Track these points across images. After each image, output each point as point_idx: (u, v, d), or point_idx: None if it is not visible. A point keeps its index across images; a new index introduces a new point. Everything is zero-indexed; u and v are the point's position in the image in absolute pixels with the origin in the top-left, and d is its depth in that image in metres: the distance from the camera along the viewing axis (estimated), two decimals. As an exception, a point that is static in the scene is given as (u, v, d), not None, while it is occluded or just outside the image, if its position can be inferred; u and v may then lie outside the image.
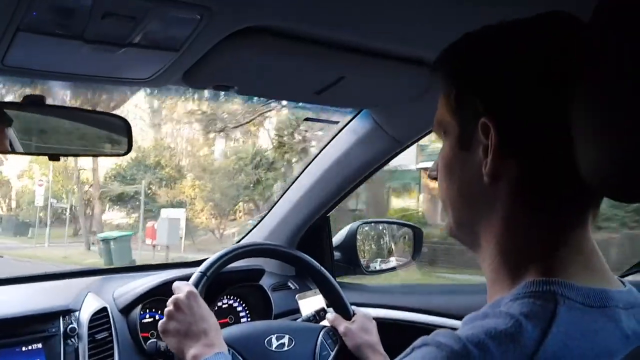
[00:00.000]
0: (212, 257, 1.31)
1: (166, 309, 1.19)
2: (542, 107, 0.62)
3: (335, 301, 1.46)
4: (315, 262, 1.47)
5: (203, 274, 1.26)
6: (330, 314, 1.45)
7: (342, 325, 1.39)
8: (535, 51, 0.64)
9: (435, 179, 0.77)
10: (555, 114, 0.61)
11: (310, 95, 1.38)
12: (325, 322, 1.46)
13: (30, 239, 20.64)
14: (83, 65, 1.11)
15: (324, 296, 1.51)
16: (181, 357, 1.14)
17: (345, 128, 1.77)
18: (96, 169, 20.35)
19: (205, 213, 18.84)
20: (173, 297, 1.20)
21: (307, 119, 1.75)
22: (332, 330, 1.40)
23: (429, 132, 1.62)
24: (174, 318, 1.17)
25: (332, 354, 1.35)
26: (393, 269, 2.12)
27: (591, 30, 0.56)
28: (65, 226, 20.56)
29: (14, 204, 25.37)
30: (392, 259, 2.14)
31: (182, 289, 1.21)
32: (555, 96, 0.61)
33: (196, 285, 1.24)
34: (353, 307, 1.46)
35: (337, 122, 1.81)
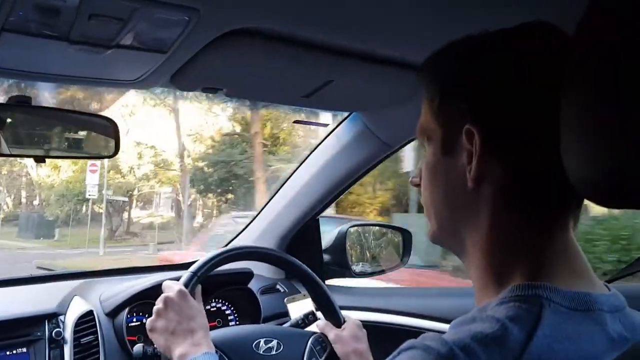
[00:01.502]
0: (202, 259, 1.30)
1: (155, 307, 1.19)
2: (526, 113, 0.63)
3: (326, 307, 1.45)
4: (305, 267, 1.46)
5: (194, 274, 1.26)
6: (321, 321, 1.44)
7: (332, 333, 1.38)
8: (519, 59, 0.64)
9: (417, 185, 0.77)
10: (538, 120, 0.62)
11: (298, 98, 1.38)
12: (314, 328, 1.46)
13: (57, 242, 17.83)
14: (69, 66, 1.10)
15: (315, 302, 1.50)
16: (168, 355, 1.13)
17: (335, 131, 1.77)
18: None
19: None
20: (162, 295, 1.20)
21: (296, 122, 1.75)
22: (322, 337, 1.39)
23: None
24: (162, 316, 1.16)
25: None
26: (382, 271, 2.12)
27: (575, 41, 0.56)
28: (101, 226, 17.15)
29: (22, 199, 23.11)
30: (381, 261, 2.14)
31: (172, 288, 1.21)
32: (539, 103, 0.62)
33: (186, 285, 1.23)
34: (343, 313, 1.45)
35: (326, 125, 1.81)
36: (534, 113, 0.62)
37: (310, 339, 1.37)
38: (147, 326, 1.18)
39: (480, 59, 0.67)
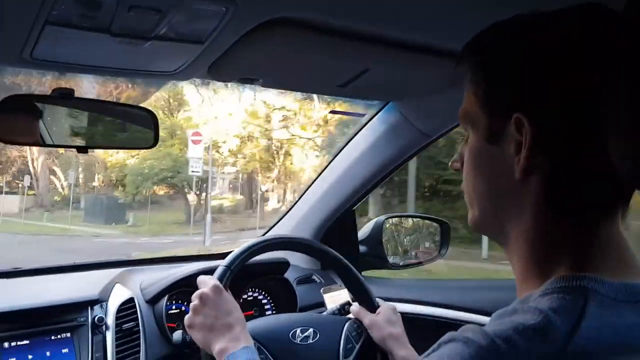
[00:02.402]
0: (236, 251, 1.31)
1: (191, 304, 1.19)
2: (578, 102, 0.61)
3: (359, 293, 1.45)
4: (338, 254, 1.46)
5: (227, 267, 1.26)
6: (355, 306, 1.44)
7: (367, 318, 1.38)
8: (571, 44, 0.62)
9: (457, 169, 0.76)
10: (589, 110, 0.60)
11: (334, 87, 1.38)
12: (349, 315, 1.46)
13: (134, 228, 16.62)
14: (110, 58, 1.13)
15: (348, 288, 1.50)
16: (207, 351, 1.14)
17: (372, 121, 1.76)
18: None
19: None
20: (198, 291, 1.20)
21: (332, 112, 1.75)
22: (357, 323, 1.39)
23: (458, 125, 1.60)
24: (199, 312, 1.17)
25: (357, 346, 1.34)
26: (420, 263, 2.11)
27: (625, 23, 0.54)
28: (183, 209, 15.20)
29: (89, 179, 22.17)
30: (419, 253, 2.13)
31: (207, 283, 1.21)
32: (590, 90, 0.60)
33: (221, 279, 1.24)
34: (378, 299, 1.44)
35: (363, 115, 1.80)
36: (585, 104, 0.60)
37: (346, 325, 1.37)
38: (186, 322, 1.19)
39: (531, 43, 0.64)
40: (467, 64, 0.71)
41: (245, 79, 1.28)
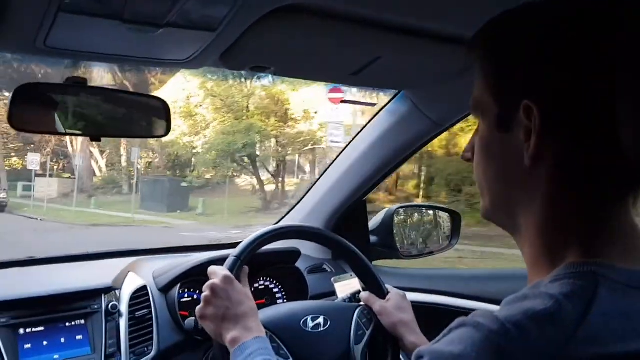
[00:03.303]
0: (246, 240, 1.31)
1: (203, 295, 1.19)
2: (587, 88, 0.60)
3: (368, 279, 1.45)
4: (346, 241, 1.46)
5: (237, 258, 1.26)
6: (365, 293, 1.44)
7: (377, 304, 1.38)
8: (581, 30, 0.61)
9: (469, 160, 0.76)
10: (599, 95, 0.60)
11: (347, 76, 1.37)
12: (360, 302, 1.46)
13: (206, 218, 14.07)
14: (122, 46, 1.13)
15: (357, 274, 1.50)
16: (220, 341, 1.14)
17: (383, 110, 1.76)
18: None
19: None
20: (209, 282, 1.20)
21: (344, 101, 1.75)
22: (367, 309, 1.39)
23: (470, 114, 1.59)
24: (211, 303, 1.17)
25: (368, 333, 1.34)
26: (430, 253, 2.10)
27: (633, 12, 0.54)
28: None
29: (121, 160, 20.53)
30: (429, 243, 2.12)
31: (217, 274, 1.21)
32: (601, 76, 0.60)
33: (231, 269, 1.23)
34: (387, 286, 1.45)
35: (374, 104, 1.79)
36: (595, 89, 0.60)
37: (356, 312, 1.38)
38: (197, 314, 1.19)
39: (538, 30, 0.64)
40: (477, 51, 0.71)
41: (258, 68, 1.28)
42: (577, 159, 0.62)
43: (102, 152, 19.61)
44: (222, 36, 1.07)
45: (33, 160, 18.44)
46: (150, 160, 20.92)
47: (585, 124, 0.61)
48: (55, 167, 20.88)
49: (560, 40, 0.62)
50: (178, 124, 17.41)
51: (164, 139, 17.01)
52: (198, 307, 1.19)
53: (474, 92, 0.72)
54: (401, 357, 1.39)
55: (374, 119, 1.80)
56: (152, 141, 18.40)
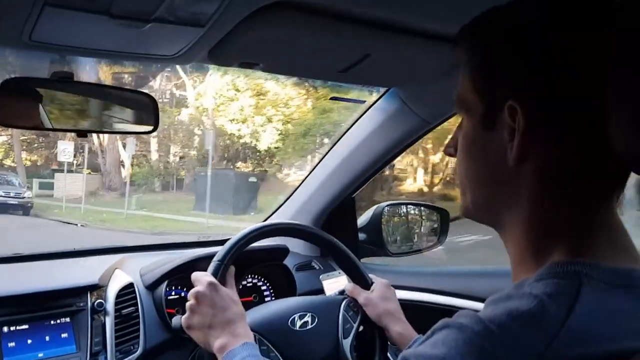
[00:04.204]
0: (228, 243, 1.28)
1: (187, 304, 1.17)
2: (572, 90, 0.61)
3: (352, 271, 1.45)
4: (327, 234, 1.45)
5: (221, 262, 1.24)
6: (349, 285, 1.43)
7: (362, 296, 1.38)
8: (567, 31, 0.62)
9: (451, 155, 0.76)
10: (584, 96, 0.60)
11: (335, 73, 1.37)
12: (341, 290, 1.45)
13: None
14: (109, 41, 1.12)
15: (339, 265, 1.49)
16: (209, 349, 1.12)
17: (372, 107, 1.75)
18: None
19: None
20: (193, 290, 1.17)
21: (332, 98, 1.74)
22: (353, 302, 1.39)
23: (458, 112, 1.59)
24: (196, 312, 1.15)
25: (355, 325, 1.34)
26: (419, 251, 2.11)
27: (623, 13, 0.54)
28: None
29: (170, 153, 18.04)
30: (418, 241, 2.13)
31: (201, 281, 1.18)
32: (586, 78, 0.60)
33: (215, 274, 1.21)
34: (371, 275, 1.44)
35: (363, 102, 1.79)
36: (580, 89, 0.60)
37: (342, 306, 1.37)
38: (184, 324, 1.16)
39: (526, 29, 0.64)
40: (463, 48, 0.71)
41: (246, 64, 1.27)
42: (561, 159, 0.63)
43: (123, 145, 17.21)
44: (211, 32, 1.06)
45: (65, 150, 15.26)
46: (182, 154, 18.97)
47: (570, 126, 0.61)
48: (74, 162, 18.33)
49: (546, 40, 0.62)
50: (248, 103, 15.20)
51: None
52: (183, 317, 1.17)
53: (458, 88, 0.72)
54: (389, 356, 1.40)
55: (362, 116, 1.79)
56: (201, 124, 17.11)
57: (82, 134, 1.30)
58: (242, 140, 16.39)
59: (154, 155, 18.72)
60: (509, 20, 0.66)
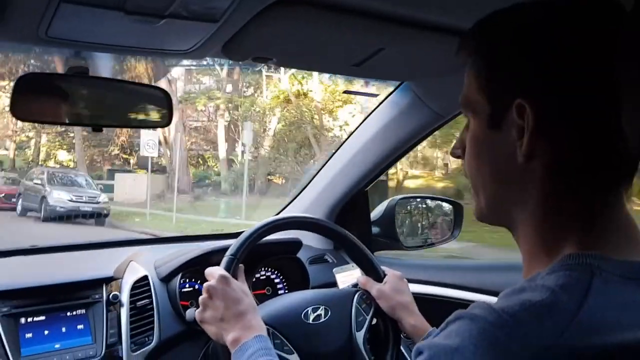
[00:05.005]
0: (240, 237, 1.29)
1: (200, 298, 1.18)
2: (581, 86, 0.61)
3: (364, 263, 1.45)
4: (337, 225, 1.46)
5: (233, 256, 1.25)
6: (362, 277, 1.43)
7: (374, 288, 1.38)
8: (575, 30, 0.62)
9: (458, 157, 0.76)
10: (593, 93, 0.61)
11: (349, 67, 1.37)
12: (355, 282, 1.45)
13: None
14: (124, 36, 1.13)
15: (351, 257, 1.50)
16: (222, 343, 1.13)
17: (385, 101, 1.75)
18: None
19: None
20: (205, 284, 1.19)
21: (345, 92, 1.74)
22: (366, 294, 1.39)
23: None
24: (209, 306, 1.16)
25: (368, 318, 1.34)
26: (432, 244, 2.11)
27: (633, 11, 0.54)
28: None
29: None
30: (432, 234, 2.12)
31: (213, 275, 1.19)
32: (593, 76, 0.61)
33: (227, 268, 1.22)
34: (383, 268, 1.44)
35: (376, 95, 1.79)
36: (588, 86, 0.61)
37: (355, 298, 1.37)
38: (197, 318, 1.18)
39: (534, 29, 0.64)
40: (469, 49, 0.71)
41: (260, 59, 1.28)
42: (570, 155, 0.63)
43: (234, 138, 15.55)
44: (225, 27, 1.06)
45: (149, 143, 13.15)
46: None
47: (579, 122, 0.62)
48: (131, 161, 16.44)
49: (553, 39, 0.63)
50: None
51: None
52: (197, 311, 1.19)
53: (464, 89, 0.72)
54: (402, 349, 1.40)
55: (375, 110, 1.79)
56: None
57: (98, 129, 1.31)
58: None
59: (221, 154, 16.81)
60: (516, 20, 0.66)
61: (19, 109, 1.19)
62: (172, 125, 14.41)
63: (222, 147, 17.03)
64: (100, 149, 17.28)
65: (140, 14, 0.98)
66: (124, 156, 17.16)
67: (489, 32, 0.69)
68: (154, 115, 1.39)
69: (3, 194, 12.90)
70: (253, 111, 16.81)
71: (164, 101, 1.35)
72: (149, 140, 13.07)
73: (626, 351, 0.56)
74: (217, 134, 17.04)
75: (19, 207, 12.11)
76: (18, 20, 1.00)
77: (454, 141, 0.78)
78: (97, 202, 11.83)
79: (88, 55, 1.24)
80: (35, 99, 1.22)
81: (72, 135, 16.64)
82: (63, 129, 16.01)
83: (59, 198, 11.38)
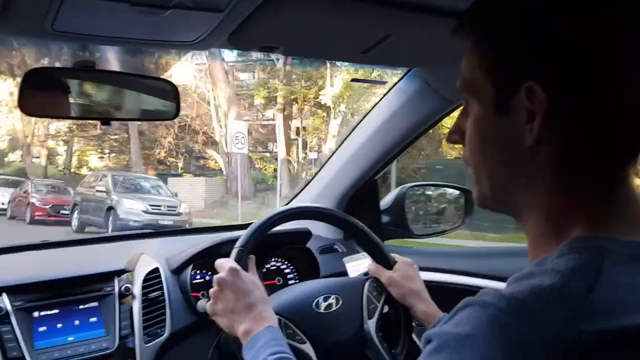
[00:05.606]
0: (250, 228, 1.29)
1: (211, 290, 1.18)
2: (591, 68, 0.60)
3: (373, 250, 1.44)
4: (344, 213, 1.45)
5: (243, 248, 1.24)
6: (372, 265, 1.42)
7: (385, 276, 1.37)
8: (587, 8, 0.60)
9: (456, 142, 0.74)
10: (604, 73, 0.60)
11: (357, 54, 1.36)
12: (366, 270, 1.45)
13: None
14: (130, 28, 1.12)
15: (359, 245, 1.49)
16: (234, 334, 1.13)
17: (394, 88, 1.74)
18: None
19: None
20: (215, 276, 1.18)
21: (354, 80, 1.73)
22: (376, 282, 1.38)
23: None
24: (219, 298, 1.16)
25: (379, 305, 1.34)
26: (443, 232, 2.10)
27: None
28: None
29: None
30: (442, 222, 2.12)
31: (223, 267, 1.19)
32: (605, 55, 0.59)
33: (237, 260, 1.22)
34: (393, 255, 1.43)
35: (385, 83, 1.77)
36: (599, 66, 0.60)
37: (366, 286, 1.37)
38: (209, 310, 1.18)
39: (546, 5, 0.62)
40: (470, 30, 0.69)
41: (266, 48, 1.27)
42: (579, 139, 0.62)
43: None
44: (230, 17, 1.05)
45: (237, 136, 11.20)
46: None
47: (589, 104, 0.61)
48: (179, 164, 14.92)
49: (565, 17, 0.61)
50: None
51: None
52: (208, 304, 1.19)
53: (463, 72, 0.70)
54: (414, 337, 1.40)
55: (384, 98, 1.78)
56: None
57: (106, 122, 1.31)
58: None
59: (280, 153, 14.43)
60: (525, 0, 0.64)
61: (26, 104, 1.20)
62: (232, 114, 13.05)
63: (282, 145, 15.09)
64: (144, 152, 15.75)
65: (146, 5, 0.98)
66: (171, 159, 15.54)
67: (496, 13, 0.66)
68: (162, 108, 1.39)
69: (50, 205, 11.10)
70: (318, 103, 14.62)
71: (171, 93, 1.35)
72: (237, 133, 10.95)
73: (638, 334, 0.55)
74: (275, 130, 15.12)
75: (74, 222, 10.08)
76: (24, 14, 1.00)
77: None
78: (178, 214, 9.99)
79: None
80: (43, 94, 1.22)
81: (113, 137, 15.34)
82: (101, 131, 14.95)
83: (132, 209, 9.42)
